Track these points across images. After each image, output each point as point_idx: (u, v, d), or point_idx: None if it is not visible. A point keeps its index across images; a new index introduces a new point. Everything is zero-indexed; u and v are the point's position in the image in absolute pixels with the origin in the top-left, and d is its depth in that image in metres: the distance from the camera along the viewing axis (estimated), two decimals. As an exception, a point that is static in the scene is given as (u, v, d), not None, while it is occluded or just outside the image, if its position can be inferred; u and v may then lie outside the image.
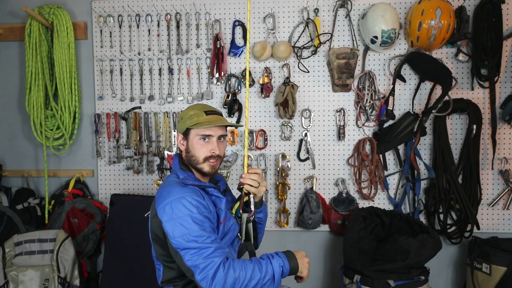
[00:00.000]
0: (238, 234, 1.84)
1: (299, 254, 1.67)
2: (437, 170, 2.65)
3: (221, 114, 1.83)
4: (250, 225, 1.83)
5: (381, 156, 2.73)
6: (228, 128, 2.55)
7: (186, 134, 1.77)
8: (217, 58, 2.73)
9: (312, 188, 2.77)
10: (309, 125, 2.77)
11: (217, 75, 2.74)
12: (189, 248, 1.55)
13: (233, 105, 2.74)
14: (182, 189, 1.65)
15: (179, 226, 1.57)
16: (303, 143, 2.78)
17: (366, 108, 2.72)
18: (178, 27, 2.80)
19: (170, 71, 2.82)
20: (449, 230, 2.70)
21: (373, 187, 2.76)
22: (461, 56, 2.67)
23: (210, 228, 1.60)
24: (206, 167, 1.74)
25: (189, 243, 1.54)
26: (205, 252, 1.53)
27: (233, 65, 2.80)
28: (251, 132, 2.77)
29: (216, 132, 1.75)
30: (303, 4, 2.74)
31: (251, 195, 1.78)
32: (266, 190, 2.79)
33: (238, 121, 2.77)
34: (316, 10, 2.72)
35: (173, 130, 2.80)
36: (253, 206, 1.79)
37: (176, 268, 1.70)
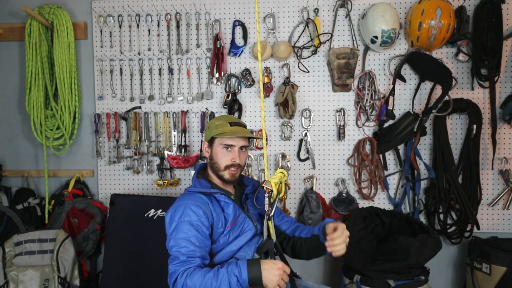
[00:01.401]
0: (270, 232, 1.88)
1: (267, 264, 1.62)
2: (437, 170, 2.65)
3: (245, 126, 1.95)
4: (271, 222, 1.85)
5: (381, 156, 2.73)
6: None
7: (211, 142, 1.92)
8: (217, 58, 2.73)
9: (312, 188, 2.77)
10: (309, 125, 2.77)
11: (217, 75, 2.74)
12: (170, 251, 1.73)
13: (233, 105, 2.74)
14: (186, 197, 1.83)
15: (170, 229, 1.76)
16: (303, 143, 2.78)
17: (366, 108, 2.72)
18: (178, 27, 2.80)
19: (170, 71, 2.82)
20: (449, 230, 2.70)
21: (373, 187, 2.76)
22: (461, 56, 2.67)
23: (195, 239, 1.71)
24: (226, 175, 1.89)
25: (171, 247, 1.72)
26: (174, 260, 1.69)
27: (233, 65, 2.80)
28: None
29: (238, 143, 1.87)
30: (303, 4, 2.73)
31: (266, 194, 1.83)
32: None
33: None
34: (316, 10, 2.72)
35: (173, 130, 2.80)
36: (268, 205, 1.83)
37: None
